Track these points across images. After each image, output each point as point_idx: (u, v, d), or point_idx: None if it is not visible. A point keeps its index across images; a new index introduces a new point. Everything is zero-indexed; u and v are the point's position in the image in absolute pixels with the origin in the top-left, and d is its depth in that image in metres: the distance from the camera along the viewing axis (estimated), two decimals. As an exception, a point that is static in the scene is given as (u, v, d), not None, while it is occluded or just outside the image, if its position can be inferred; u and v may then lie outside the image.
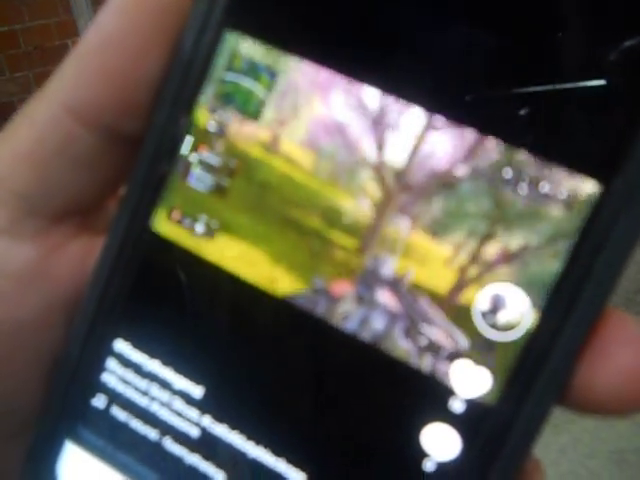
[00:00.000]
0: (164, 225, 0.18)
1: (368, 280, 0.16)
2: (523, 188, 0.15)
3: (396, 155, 0.16)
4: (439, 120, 0.15)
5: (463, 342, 0.16)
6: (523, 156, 0.15)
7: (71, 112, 0.17)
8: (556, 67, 0.14)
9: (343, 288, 0.17)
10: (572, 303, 0.15)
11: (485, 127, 0.15)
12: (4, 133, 0.18)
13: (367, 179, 0.16)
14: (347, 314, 0.16)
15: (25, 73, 2.44)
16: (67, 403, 0.19)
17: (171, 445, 0.18)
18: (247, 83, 0.17)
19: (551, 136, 0.15)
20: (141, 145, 0.17)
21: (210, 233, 0.17)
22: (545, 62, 0.15)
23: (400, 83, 0.16)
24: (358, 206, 0.16)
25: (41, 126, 0.17)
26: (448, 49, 0.15)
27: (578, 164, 0.15)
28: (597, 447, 1.32)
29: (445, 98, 0.15)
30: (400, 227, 0.16)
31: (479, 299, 0.15)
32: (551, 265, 0.15)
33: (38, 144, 0.17)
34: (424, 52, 0.15)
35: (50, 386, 0.19)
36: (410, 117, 0.16)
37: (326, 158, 0.16)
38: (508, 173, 0.15)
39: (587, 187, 0.15)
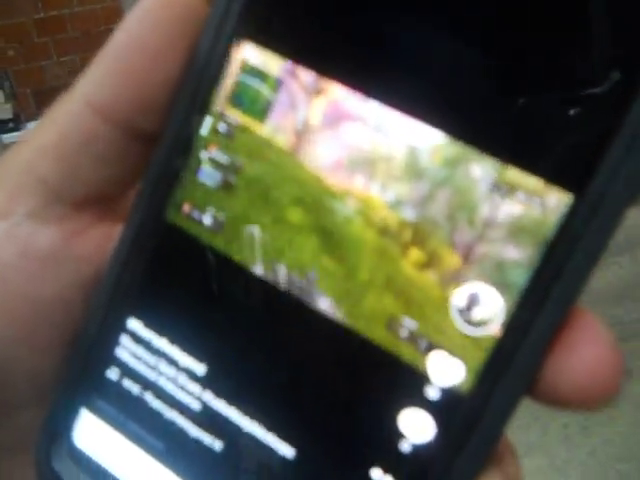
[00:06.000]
0: (176, 216, 0.19)
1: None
2: (500, 196, 0.16)
3: (388, 163, 0.17)
4: (423, 129, 0.17)
5: (440, 335, 0.17)
6: (499, 165, 0.16)
7: (93, 109, 0.19)
8: (532, 80, 0.16)
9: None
10: (542, 303, 0.16)
11: (464, 136, 0.16)
12: (35, 127, 0.20)
13: (363, 183, 0.18)
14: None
15: (72, 57, 2.51)
16: (84, 374, 0.20)
17: (175, 416, 0.20)
18: (255, 85, 0.18)
19: (527, 147, 0.16)
20: (157, 142, 0.19)
21: (217, 225, 0.19)
22: (522, 76, 0.16)
23: (400, 95, 0.17)
24: (355, 203, 0.18)
25: (65, 121, 0.19)
26: (441, 64, 0.17)
27: (552, 175, 0.16)
28: (628, 450, 1.30)
29: (437, 110, 0.17)
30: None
31: (457, 296, 0.17)
32: (524, 267, 0.16)
33: (62, 138, 0.19)
34: (425, 66, 0.17)
35: (68, 358, 0.20)
36: (404, 128, 0.17)
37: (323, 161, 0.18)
38: (486, 181, 0.16)
39: (559, 196, 0.16)
